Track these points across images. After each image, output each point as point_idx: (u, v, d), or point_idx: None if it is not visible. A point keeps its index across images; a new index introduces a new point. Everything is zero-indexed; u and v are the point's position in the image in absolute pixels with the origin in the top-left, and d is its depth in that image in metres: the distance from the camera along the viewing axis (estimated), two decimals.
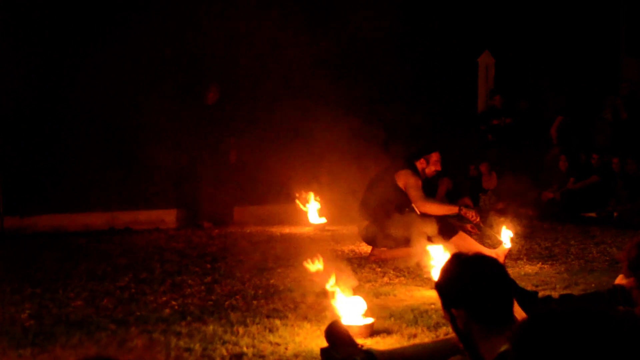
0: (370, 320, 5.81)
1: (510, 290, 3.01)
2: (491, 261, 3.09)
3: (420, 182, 8.74)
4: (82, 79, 11.46)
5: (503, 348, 2.79)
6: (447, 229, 8.46)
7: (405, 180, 8.70)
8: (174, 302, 6.84)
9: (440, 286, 3.05)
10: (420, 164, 8.91)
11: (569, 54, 16.73)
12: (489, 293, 2.94)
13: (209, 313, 6.42)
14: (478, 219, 8.69)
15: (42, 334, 5.75)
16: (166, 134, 12.51)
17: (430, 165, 8.93)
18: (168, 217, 12.60)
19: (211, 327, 5.91)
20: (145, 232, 11.45)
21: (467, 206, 9.41)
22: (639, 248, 3.25)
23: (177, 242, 10.50)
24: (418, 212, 8.68)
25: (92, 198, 12.13)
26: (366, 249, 9.56)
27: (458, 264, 3.04)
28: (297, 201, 12.61)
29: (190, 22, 12.43)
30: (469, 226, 8.90)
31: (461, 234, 8.53)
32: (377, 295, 7.09)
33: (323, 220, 12.41)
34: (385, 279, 7.92)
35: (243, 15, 12.29)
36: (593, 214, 12.48)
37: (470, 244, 8.43)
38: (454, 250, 7.66)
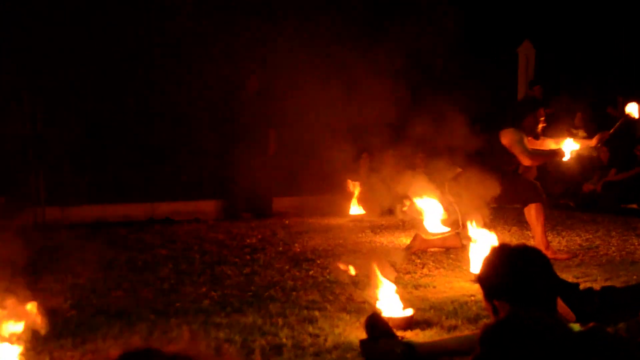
0: (409, 312, 5.78)
1: (554, 281, 2.98)
2: (535, 252, 3.06)
3: (524, 137, 8.58)
4: (120, 70, 11.55)
5: None
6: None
7: (510, 137, 8.47)
8: (213, 293, 6.87)
9: (482, 278, 3.03)
10: (527, 122, 8.75)
11: (609, 46, 16.55)
12: (532, 285, 2.91)
13: (248, 304, 6.44)
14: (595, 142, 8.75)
15: (83, 324, 5.81)
16: (206, 125, 12.56)
17: (539, 122, 8.81)
18: (207, 207, 12.65)
19: (250, 318, 5.92)
20: (185, 223, 11.50)
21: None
22: None
23: (217, 233, 10.53)
24: (525, 166, 8.70)
25: (132, 189, 12.23)
26: (405, 240, 9.53)
27: (501, 255, 3.01)
28: (350, 187, 12.63)
29: (232, 10, 12.47)
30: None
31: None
32: (416, 287, 7.06)
33: (361, 211, 12.40)
34: (425, 270, 7.89)
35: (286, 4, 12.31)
36: (634, 206, 12.32)
37: None
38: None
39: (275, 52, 12.82)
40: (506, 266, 2.95)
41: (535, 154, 8.56)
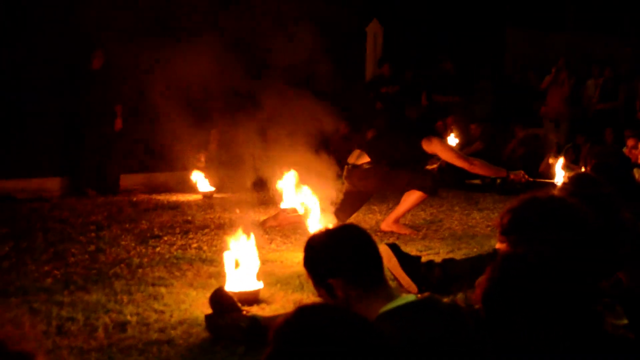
0: (256, 286, 5.81)
1: (378, 251, 3.09)
2: (353, 227, 3.20)
3: (450, 146, 9.19)
4: None
5: (385, 308, 2.85)
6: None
7: (436, 146, 8.74)
8: (56, 272, 6.69)
9: (313, 260, 3.08)
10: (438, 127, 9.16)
11: (456, 23, 17.04)
12: (363, 257, 3.00)
13: (92, 282, 6.31)
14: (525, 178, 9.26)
15: None
16: (50, 100, 12.18)
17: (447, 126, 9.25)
18: (52, 185, 12.29)
19: (94, 296, 5.81)
20: (27, 201, 11.13)
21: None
22: (511, 214, 3.33)
23: (61, 211, 10.23)
24: (468, 168, 8.95)
25: None
26: (255, 216, 9.55)
27: (327, 236, 3.09)
28: (195, 167, 12.54)
29: None
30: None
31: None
32: (264, 262, 7.03)
33: (211, 188, 12.34)
34: (273, 246, 7.94)
35: None
36: (478, 181, 12.74)
37: None
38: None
39: (123, 26, 12.53)
40: (337, 244, 3.05)
41: (477, 164, 9.01)
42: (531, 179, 9.39)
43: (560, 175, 10.28)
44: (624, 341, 2.78)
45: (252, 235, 6.07)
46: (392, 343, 2.09)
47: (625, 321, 3.00)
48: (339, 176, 9.16)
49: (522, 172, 9.32)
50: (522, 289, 2.52)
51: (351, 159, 8.94)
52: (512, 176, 9.19)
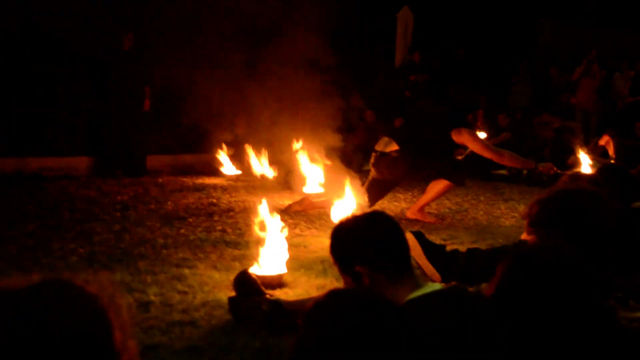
0: (280, 270, 5.81)
1: (405, 239, 3.07)
2: (381, 214, 3.18)
3: (479, 137, 9.06)
4: None
5: (411, 295, 2.84)
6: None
7: (466, 138, 8.72)
8: (81, 250, 6.73)
9: (340, 248, 3.06)
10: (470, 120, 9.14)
11: (487, 15, 16.93)
12: (390, 244, 2.99)
13: (116, 261, 6.34)
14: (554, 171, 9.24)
15: None
16: (79, 80, 12.24)
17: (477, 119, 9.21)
18: (79, 164, 12.34)
19: (118, 275, 5.82)
20: (55, 180, 11.20)
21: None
22: (540, 205, 3.30)
23: (88, 190, 10.29)
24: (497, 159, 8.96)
25: (0, 142, 11.80)
26: (279, 201, 9.55)
27: (354, 223, 3.07)
28: (220, 151, 12.56)
29: None
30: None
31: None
32: (288, 247, 7.07)
33: (238, 172, 12.35)
34: (297, 231, 7.93)
35: None
36: (504, 172, 12.68)
37: None
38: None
39: (154, 8, 12.55)
40: (364, 231, 3.03)
41: (507, 155, 8.99)
42: (560, 171, 9.32)
43: (586, 165, 10.23)
44: (638, 334, 2.76)
45: (279, 219, 6.08)
46: (421, 329, 2.09)
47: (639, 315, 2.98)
48: (364, 163, 9.15)
49: (551, 164, 9.28)
50: (532, 287, 2.51)
51: (379, 147, 8.90)
52: (540, 168, 9.14)
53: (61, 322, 1.45)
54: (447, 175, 8.72)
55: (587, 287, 2.51)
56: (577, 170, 9.79)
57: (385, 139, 8.98)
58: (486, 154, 8.81)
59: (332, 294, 2.08)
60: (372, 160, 9.00)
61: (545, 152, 13.45)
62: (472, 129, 8.93)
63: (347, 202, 8.08)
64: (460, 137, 8.68)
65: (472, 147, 8.79)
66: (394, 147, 8.76)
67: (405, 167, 8.75)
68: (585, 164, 10.43)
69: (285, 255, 5.93)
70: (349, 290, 2.16)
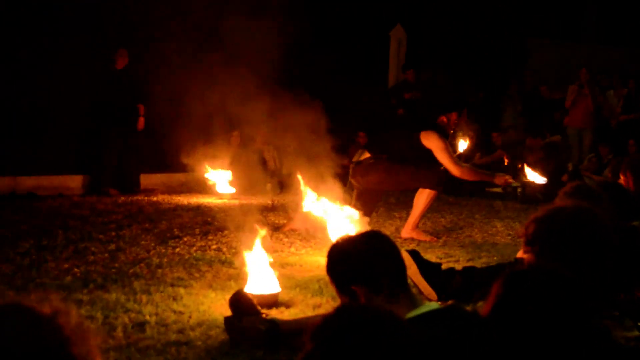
0: (275, 290, 5.79)
1: (401, 258, 3.07)
2: (377, 234, 3.17)
3: (448, 145, 8.82)
4: None
5: (409, 315, 2.84)
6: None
7: (433, 142, 8.63)
8: (76, 270, 6.70)
9: (336, 267, 3.06)
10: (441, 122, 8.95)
11: (478, 31, 16.99)
12: (386, 264, 2.99)
13: (112, 281, 6.30)
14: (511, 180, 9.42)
15: None
16: (73, 98, 12.22)
17: (450, 123, 9.01)
18: (73, 183, 12.34)
19: (114, 295, 5.80)
20: (49, 198, 11.18)
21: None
22: (537, 223, 3.30)
23: (82, 209, 10.28)
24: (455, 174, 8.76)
25: None
26: (274, 219, 9.55)
27: (350, 243, 3.07)
28: (207, 169, 12.52)
29: None
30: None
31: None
32: (283, 265, 7.06)
33: (232, 190, 12.34)
34: (292, 250, 7.93)
35: None
36: (498, 189, 12.69)
37: None
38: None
39: (147, 27, 12.55)
40: (361, 251, 3.03)
41: (466, 168, 8.92)
42: (516, 183, 9.47)
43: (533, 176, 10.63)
44: (635, 352, 2.77)
45: (267, 237, 6.06)
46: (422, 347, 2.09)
47: (637, 333, 2.99)
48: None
49: (508, 176, 9.20)
50: (527, 307, 2.52)
51: (355, 158, 8.92)
52: (496, 180, 9.03)
53: (12, 342, 1.51)
54: (420, 180, 8.67)
55: (581, 308, 2.52)
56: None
57: (360, 150, 9.01)
58: (447, 165, 8.66)
59: (341, 310, 2.08)
60: (349, 172, 8.97)
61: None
62: (443, 133, 8.76)
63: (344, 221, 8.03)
64: (427, 141, 8.62)
65: (436, 153, 8.64)
66: (368, 155, 8.79)
67: (379, 173, 8.69)
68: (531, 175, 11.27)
69: (272, 276, 5.88)
70: (357, 306, 2.16)
